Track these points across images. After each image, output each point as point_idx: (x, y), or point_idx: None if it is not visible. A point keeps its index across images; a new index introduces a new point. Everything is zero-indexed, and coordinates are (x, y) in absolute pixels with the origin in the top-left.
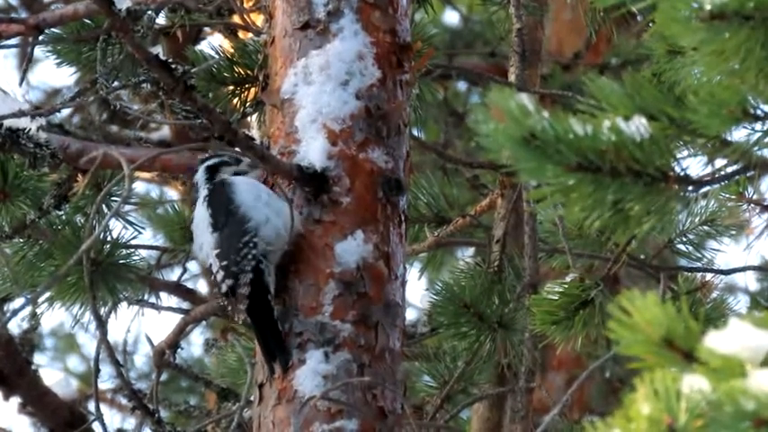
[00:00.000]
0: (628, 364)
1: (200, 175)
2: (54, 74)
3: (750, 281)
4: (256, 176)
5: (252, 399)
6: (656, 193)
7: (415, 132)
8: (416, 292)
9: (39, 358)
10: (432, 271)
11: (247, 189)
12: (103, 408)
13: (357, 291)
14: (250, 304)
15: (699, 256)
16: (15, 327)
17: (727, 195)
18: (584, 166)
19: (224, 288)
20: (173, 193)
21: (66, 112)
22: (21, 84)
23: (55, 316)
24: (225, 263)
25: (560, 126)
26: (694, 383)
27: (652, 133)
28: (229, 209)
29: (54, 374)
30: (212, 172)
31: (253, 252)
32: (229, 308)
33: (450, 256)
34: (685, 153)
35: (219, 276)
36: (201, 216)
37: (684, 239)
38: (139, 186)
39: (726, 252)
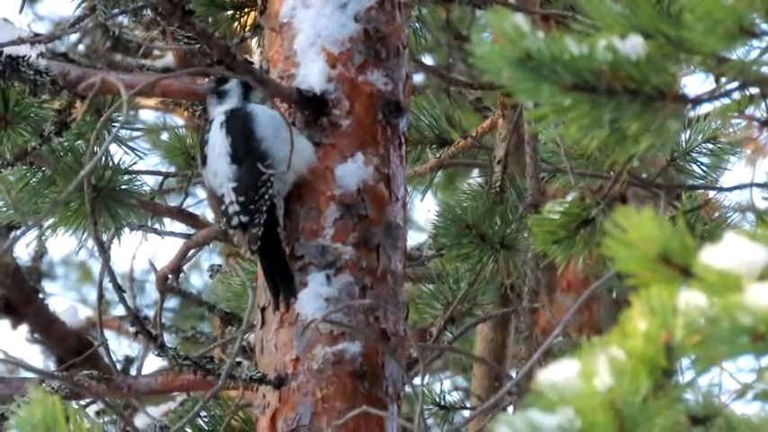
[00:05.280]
0: (625, 282)
1: (233, 87)
2: (63, 4)
3: (756, 199)
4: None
5: (254, 323)
6: (653, 112)
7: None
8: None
9: (51, 287)
10: (443, 192)
11: (269, 123)
12: (112, 335)
13: (358, 213)
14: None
15: (702, 174)
16: (26, 255)
17: (729, 114)
18: (581, 86)
19: (235, 221)
20: (177, 120)
21: (71, 40)
22: (21, 11)
23: (64, 244)
24: (242, 199)
25: (556, 46)
26: (691, 299)
27: (648, 52)
28: (250, 142)
29: (66, 303)
30: (247, 90)
31: (270, 191)
32: (235, 238)
33: (463, 177)
34: (683, 71)
35: (233, 209)
36: (220, 142)
37: (688, 158)
38: (148, 115)
39: (732, 170)
